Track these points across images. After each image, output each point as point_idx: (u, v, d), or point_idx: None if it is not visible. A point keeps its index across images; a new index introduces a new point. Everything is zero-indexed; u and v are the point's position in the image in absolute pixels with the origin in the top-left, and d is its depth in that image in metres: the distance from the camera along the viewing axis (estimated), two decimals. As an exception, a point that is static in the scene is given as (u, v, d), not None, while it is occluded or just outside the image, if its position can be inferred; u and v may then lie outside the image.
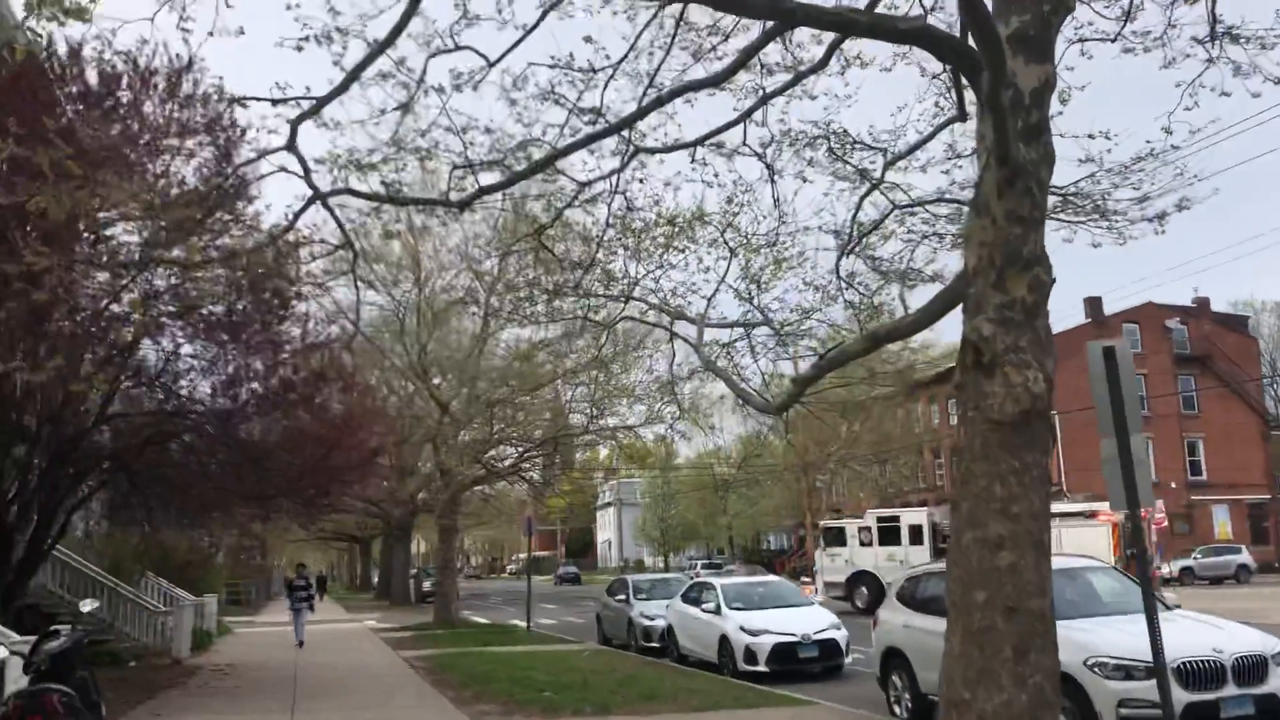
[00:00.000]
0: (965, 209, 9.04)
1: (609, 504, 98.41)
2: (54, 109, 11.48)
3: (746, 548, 70.59)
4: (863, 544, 31.71)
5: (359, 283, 24.78)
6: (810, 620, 17.41)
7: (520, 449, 34.13)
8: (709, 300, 13.16)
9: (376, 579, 64.47)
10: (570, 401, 29.65)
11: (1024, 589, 5.80)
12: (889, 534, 30.74)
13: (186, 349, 15.37)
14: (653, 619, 21.04)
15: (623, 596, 22.84)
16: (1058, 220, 11.07)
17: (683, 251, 13.94)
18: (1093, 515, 26.50)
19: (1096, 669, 8.64)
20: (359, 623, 33.80)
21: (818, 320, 13.69)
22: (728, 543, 66.28)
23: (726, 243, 12.85)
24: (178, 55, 13.21)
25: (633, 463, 52.61)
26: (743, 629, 17.06)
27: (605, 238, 10.97)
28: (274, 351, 15.43)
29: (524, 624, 27.77)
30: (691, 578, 24.80)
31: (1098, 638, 8.91)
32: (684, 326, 14.29)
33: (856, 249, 11.09)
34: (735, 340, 14.17)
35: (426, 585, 45.86)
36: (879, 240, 11.38)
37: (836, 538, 33.38)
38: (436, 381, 31.55)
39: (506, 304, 14.76)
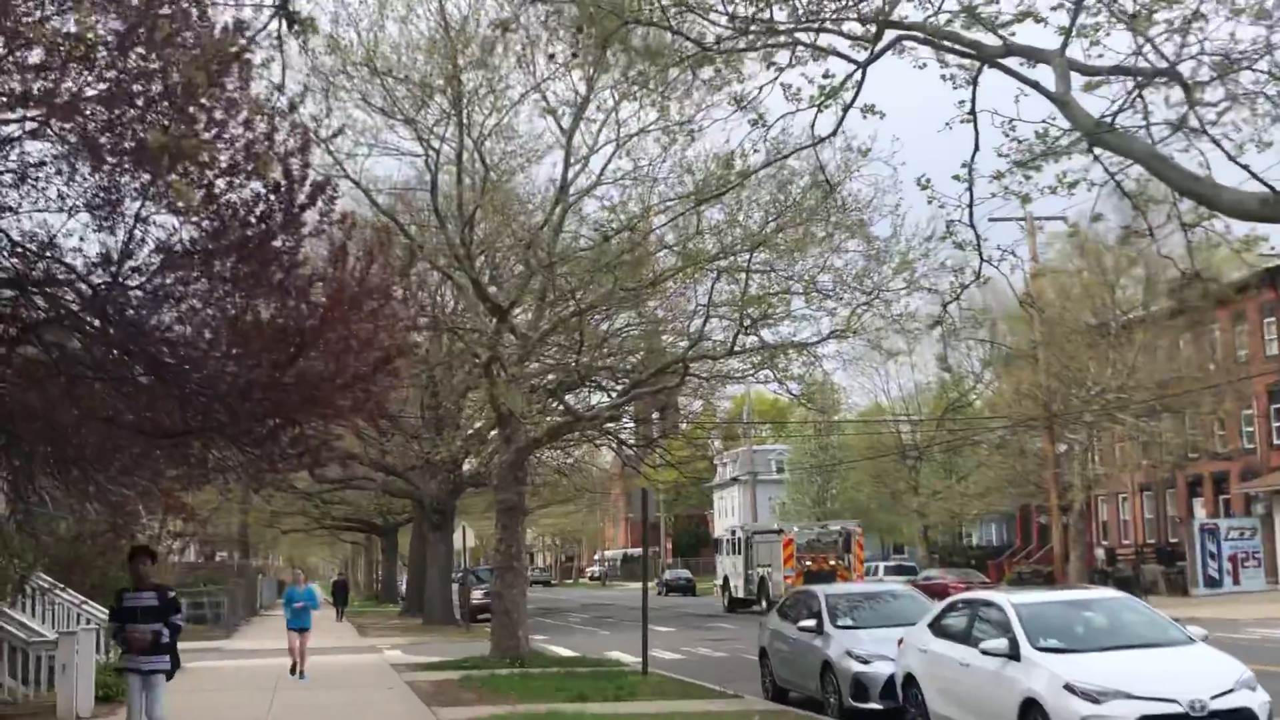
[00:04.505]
0: None
1: (734, 481, 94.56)
2: None
3: (943, 543, 66.71)
4: (725, 554, 54.44)
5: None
6: (1198, 672, 13.02)
7: (619, 386, 30.07)
8: (1075, 11, 8.34)
9: (405, 586, 62.57)
10: (705, 308, 25.09)
11: None
12: (734, 544, 52.89)
13: (34, 151, 11.45)
14: (868, 661, 17.66)
15: (810, 621, 19.30)
16: None
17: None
18: (778, 533, 48.61)
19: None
20: (378, 653, 31.86)
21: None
22: (920, 536, 62.28)
23: None
24: None
25: (782, 415, 48.51)
26: (1072, 690, 12.68)
27: None
28: (196, 164, 11.25)
29: (634, 660, 24.10)
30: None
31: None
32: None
33: None
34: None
35: (477, 595, 43.20)
36: None
37: (718, 546, 58.15)
38: (491, 290, 27.92)
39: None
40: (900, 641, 16.53)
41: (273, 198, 11.08)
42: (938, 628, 15.82)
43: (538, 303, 26.54)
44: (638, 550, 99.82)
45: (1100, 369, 44.37)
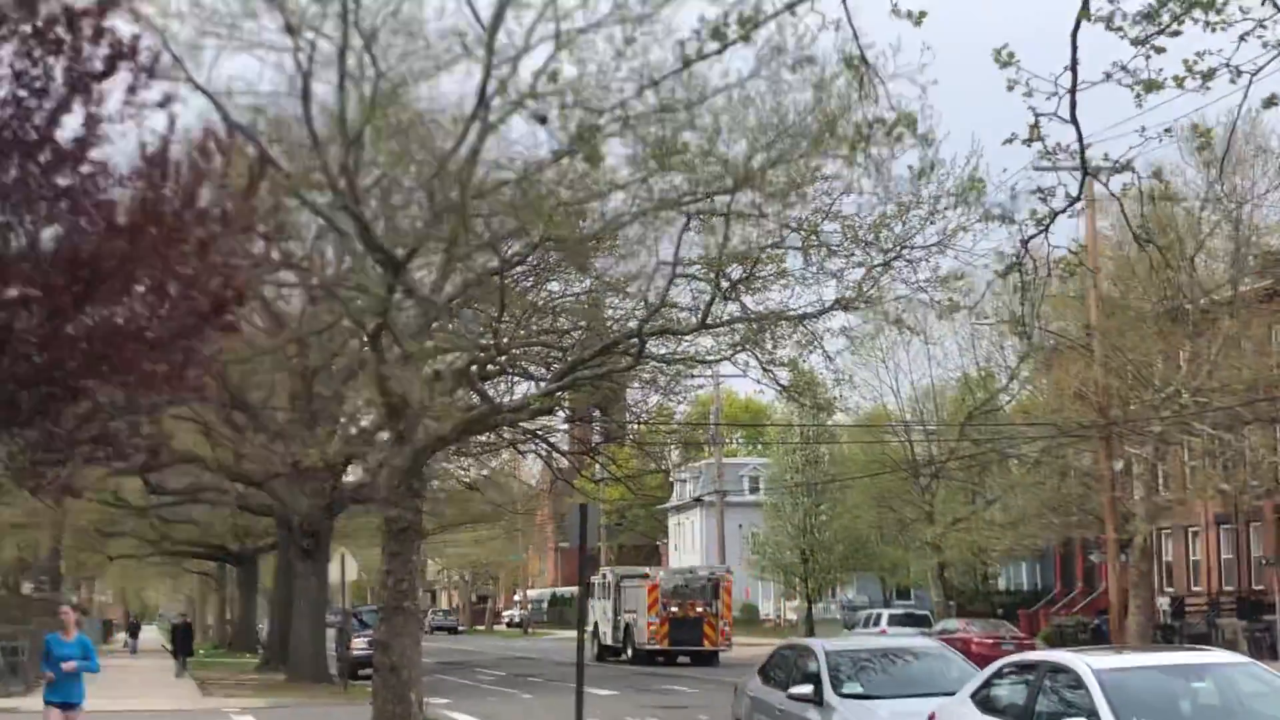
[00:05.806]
0: None
1: (696, 502, 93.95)
2: None
3: (961, 586, 66.80)
4: (596, 598, 60.48)
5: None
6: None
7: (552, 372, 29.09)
8: None
9: (265, 630, 61.79)
10: (671, 266, 23.97)
11: None
12: (605, 588, 61.04)
13: None
14: (885, 750, 17.74)
15: (805, 688, 18.69)
16: None
17: None
18: (645, 577, 57.96)
19: None
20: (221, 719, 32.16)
21: None
22: (934, 576, 61.77)
23: None
24: None
25: (759, 419, 48.01)
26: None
27: None
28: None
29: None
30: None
31: None
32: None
33: None
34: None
35: (360, 644, 42.24)
36: None
37: (590, 590, 61.86)
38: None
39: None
40: (932, 717, 15.72)
41: (51, 61, 9.60)
42: (984, 700, 15.04)
43: (445, 256, 25.37)
44: (570, 589, 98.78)
45: (1171, 366, 43.74)
